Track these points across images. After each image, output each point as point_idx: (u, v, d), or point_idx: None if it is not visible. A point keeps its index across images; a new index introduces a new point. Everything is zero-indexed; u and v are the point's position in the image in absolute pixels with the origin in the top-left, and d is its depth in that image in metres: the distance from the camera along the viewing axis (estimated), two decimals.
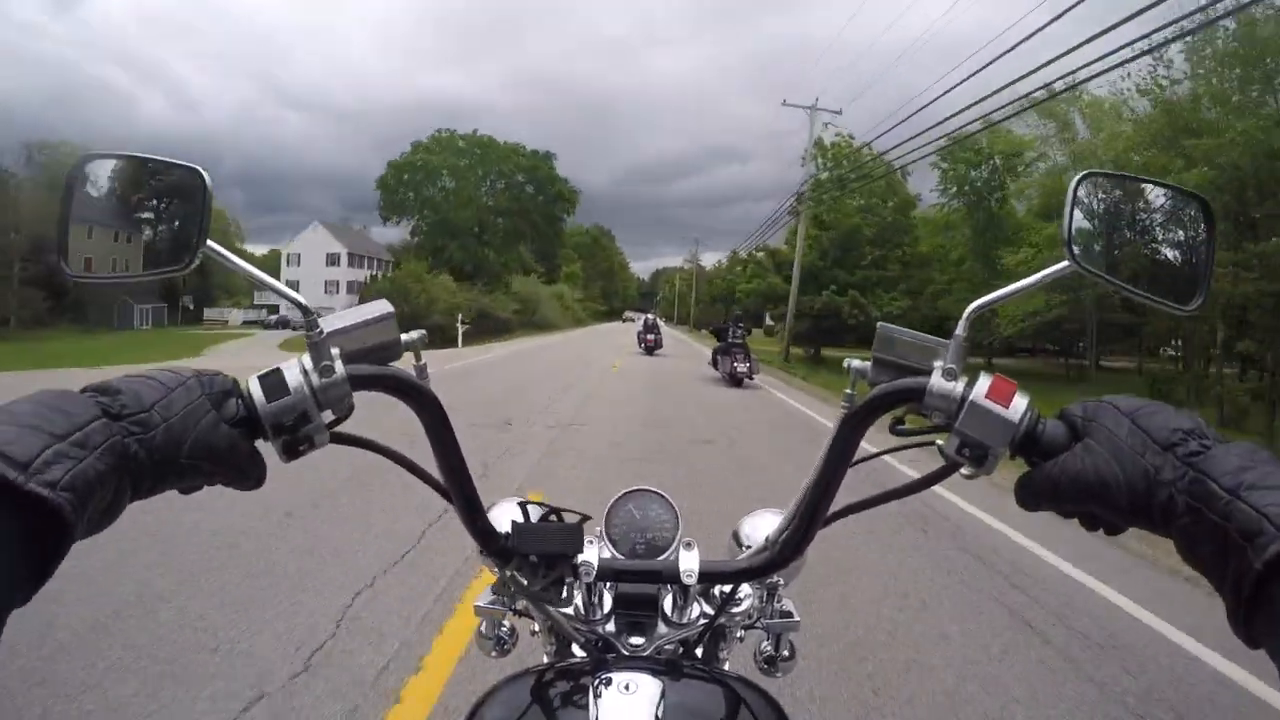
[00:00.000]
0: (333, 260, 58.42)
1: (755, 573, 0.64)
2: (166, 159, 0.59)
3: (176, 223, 0.59)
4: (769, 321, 31.85)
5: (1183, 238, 0.60)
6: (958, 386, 0.52)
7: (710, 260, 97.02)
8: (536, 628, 0.73)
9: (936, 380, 0.52)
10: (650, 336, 22.50)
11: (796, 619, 0.71)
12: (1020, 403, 0.51)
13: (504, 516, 0.62)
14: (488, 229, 58.27)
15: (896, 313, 21.05)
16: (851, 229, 23.12)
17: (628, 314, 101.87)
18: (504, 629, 0.73)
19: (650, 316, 23.99)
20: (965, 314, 0.54)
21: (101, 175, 0.61)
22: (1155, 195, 0.60)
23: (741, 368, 13.37)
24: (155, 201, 0.62)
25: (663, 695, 0.53)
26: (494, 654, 0.73)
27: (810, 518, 0.59)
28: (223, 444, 0.48)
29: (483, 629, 0.73)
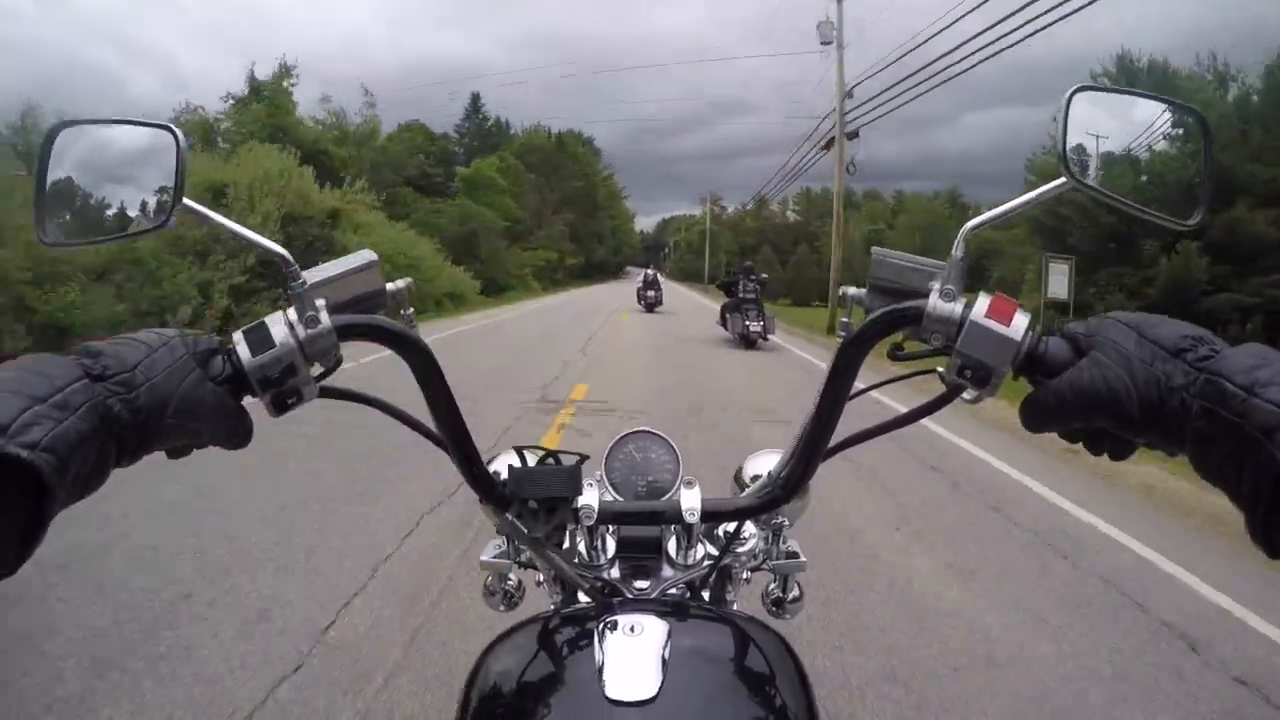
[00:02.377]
0: None
1: (758, 509, 0.63)
2: (138, 119, 0.58)
3: (154, 183, 0.59)
4: None
5: (1178, 152, 0.59)
6: (956, 307, 0.51)
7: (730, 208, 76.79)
8: (541, 578, 0.73)
9: (934, 302, 0.51)
10: (650, 293, 21.19)
11: (803, 559, 0.71)
12: (1021, 321, 0.50)
13: (502, 465, 0.61)
14: None
15: None
16: None
17: (628, 268, 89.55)
18: (510, 582, 0.73)
19: (650, 272, 22.90)
20: (961, 233, 0.53)
21: (76, 142, 0.60)
22: (1151, 109, 0.59)
23: (755, 326, 11.46)
24: (130, 163, 0.61)
25: (669, 636, 0.52)
26: (501, 608, 0.73)
27: (811, 451, 0.58)
28: (209, 401, 0.48)
29: (488, 583, 0.72)
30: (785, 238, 53.60)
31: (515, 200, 41.83)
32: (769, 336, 11.61)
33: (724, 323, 12.65)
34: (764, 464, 0.73)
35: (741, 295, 12.02)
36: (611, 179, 72.17)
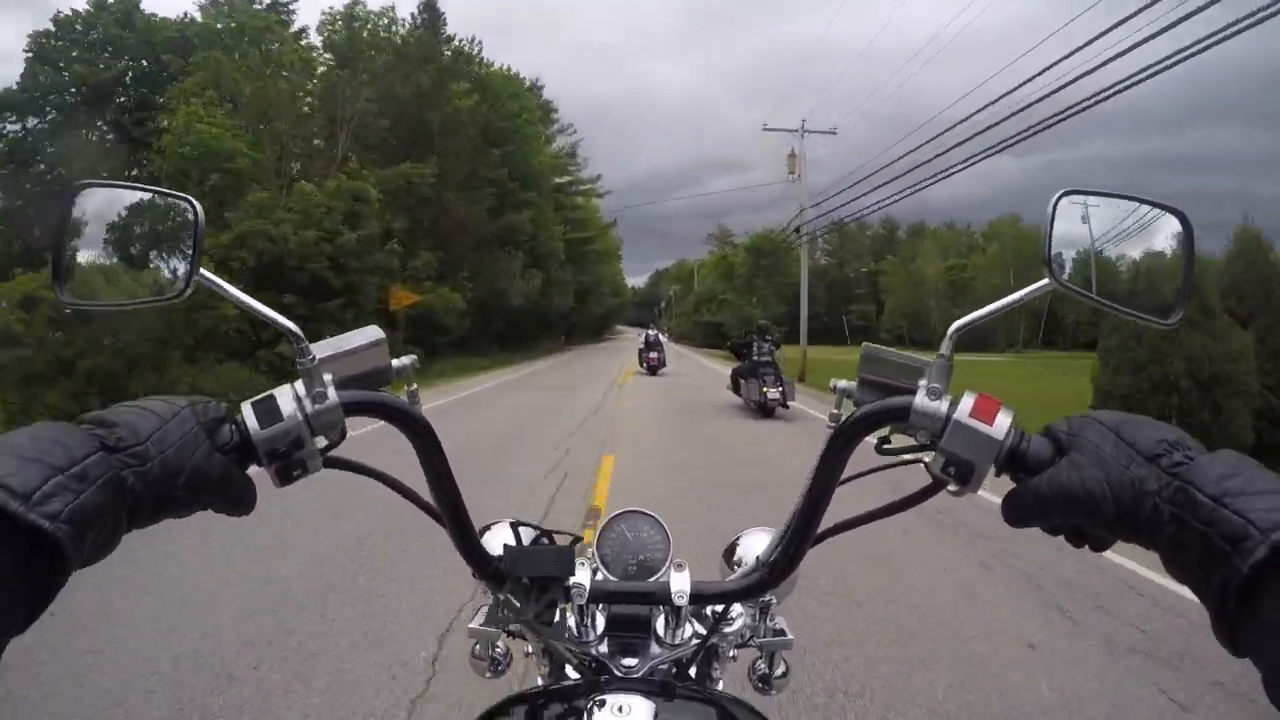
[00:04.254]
0: None
1: (746, 593, 0.65)
2: (159, 189, 0.60)
3: (170, 252, 0.60)
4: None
5: (1160, 250, 0.61)
6: (942, 405, 0.53)
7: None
8: (530, 649, 0.74)
9: (921, 399, 0.53)
10: (653, 355, 20.41)
11: (790, 637, 0.72)
12: (1004, 420, 0.52)
13: (497, 539, 0.63)
14: None
15: None
16: None
17: (618, 327, 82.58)
18: (498, 650, 0.74)
19: (652, 332, 22.15)
20: (948, 333, 0.55)
21: (95, 203, 0.62)
22: (1134, 210, 0.61)
23: (773, 393, 10.31)
24: (148, 230, 0.62)
25: (656, 717, 0.53)
26: (488, 675, 0.74)
27: (801, 537, 0.60)
28: (217, 473, 0.49)
29: (476, 650, 0.73)
30: (815, 283, 40.74)
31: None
32: (788, 403, 10.52)
33: (736, 389, 11.54)
34: (754, 542, 0.74)
35: (756, 358, 11.03)
36: (609, 233, 56.82)
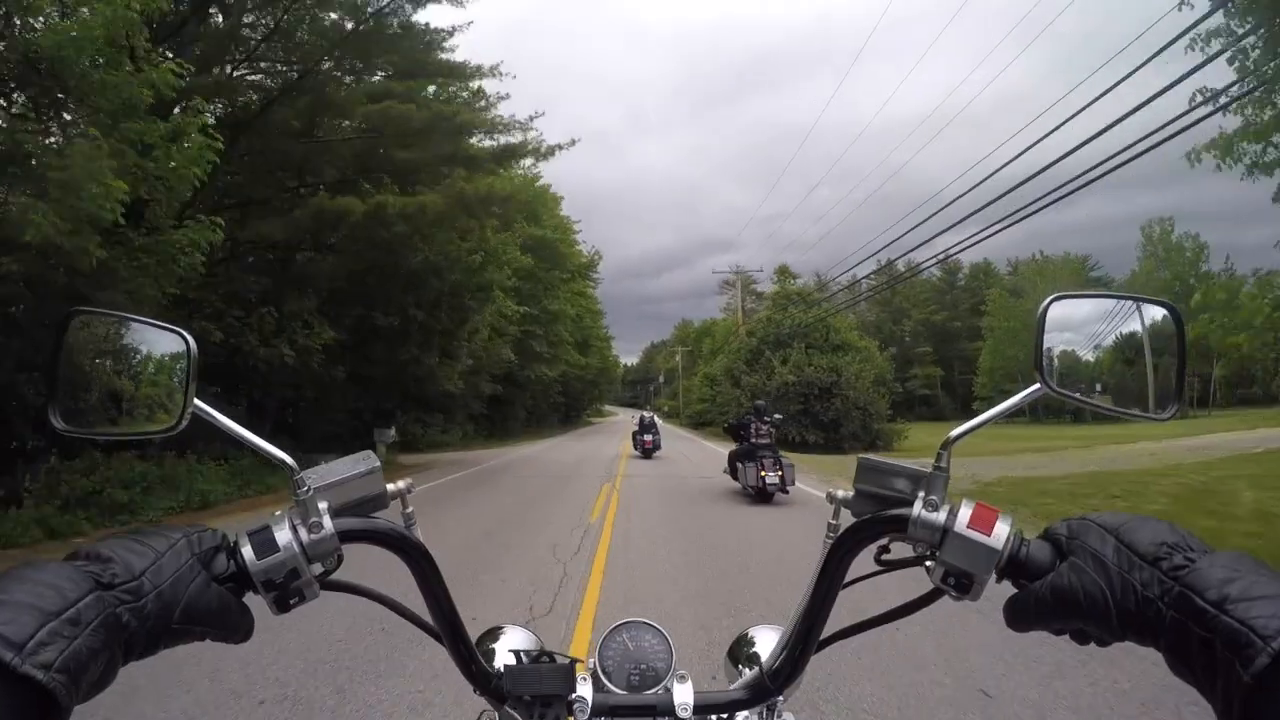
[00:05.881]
0: None
1: (750, 702, 0.64)
2: (153, 322, 0.60)
3: (164, 383, 0.61)
4: None
5: (1152, 346, 0.61)
6: (939, 516, 0.53)
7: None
8: None
9: (919, 511, 0.53)
10: (647, 438, 19.14)
11: None
12: (1003, 529, 0.52)
13: (499, 652, 0.62)
14: None
15: None
16: None
17: (607, 408, 76.57)
18: None
19: (647, 414, 21.11)
20: (943, 443, 0.55)
21: (90, 331, 0.62)
22: (1123, 308, 0.61)
23: (772, 477, 9.48)
24: (142, 360, 0.63)
25: None
26: None
27: (804, 643, 0.60)
28: (214, 605, 0.49)
29: None
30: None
31: None
32: (788, 489, 9.71)
33: (734, 472, 10.68)
34: (761, 640, 0.73)
35: (754, 440, 10.19)
36: (599, 318, 51.67)
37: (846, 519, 0.58)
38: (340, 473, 0.57)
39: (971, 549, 0.52)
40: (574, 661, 0.61)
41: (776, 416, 11.11)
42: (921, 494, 0.54)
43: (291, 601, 0.53)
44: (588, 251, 41.49)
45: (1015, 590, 0.52)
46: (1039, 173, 11.09)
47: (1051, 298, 0.58)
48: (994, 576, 0.53)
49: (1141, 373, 0.61)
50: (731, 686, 0.68)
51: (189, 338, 0.58)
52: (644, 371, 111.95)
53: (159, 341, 0.60)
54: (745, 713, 0.71)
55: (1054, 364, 0.59)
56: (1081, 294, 0.60)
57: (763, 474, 9.55)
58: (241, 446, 0.57)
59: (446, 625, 0.59)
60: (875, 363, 28.60)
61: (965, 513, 0.52)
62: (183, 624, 0.47)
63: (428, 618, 0.61)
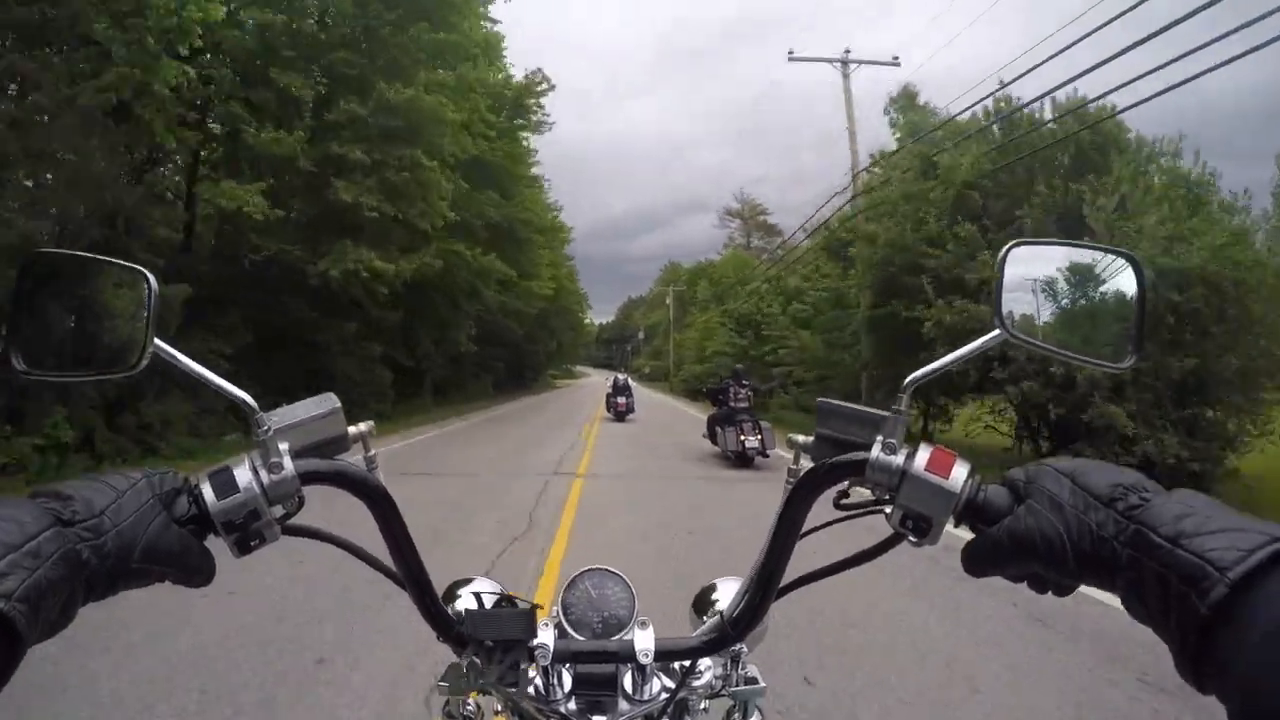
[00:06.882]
0: None
1: (710, 649, 0.65)
2: (113, 260, 0.60)
3: (125, 323, 0.60)
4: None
5: (1112, 296, 0.61)
6: (897, 460, 0.53)
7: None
8: (500, 708, 0.73)
9: (876, 454, 0.53)
10: (620, 400, 18.99)
11: (762, 685, 0.71)
12: (960, 472, 0.52)
13: (462, 599, 0.62)
14: None
15: None
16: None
17: (579, 369, 72.61)
18: (470, 707, 0.73)
19: (621, 377, 20.92)
20: (902, 387, 0.55)
21: (52, 272, 0.62)
22: (1085, 257, 0.62)
23: (751, 441, 9.55)
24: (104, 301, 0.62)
25: None
26: None
27: (764, 591, 0.60)
28: (174, 546, 0.49)
29: (448, 708, 0.72)
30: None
31: None
32: (768, 452, 9.69)
33: (712, 437, 10.75)
34: (725, 590, 0.73)
35: (733, 404, 10.31)
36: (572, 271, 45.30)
37: (807, 465, 0.59)
38: (301, 414, 0.57)
39: (929, 491, 0.52)
40: (535, 607, 0.61)
41: (755, 382, 11.11)
42: (880, 438, 0.54)
43: (252, 544, 0.53)
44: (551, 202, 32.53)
45: (973, 535, 0.53)
46: None
47: (1012, 244, 0.58)
48: (952, 520, 0.53)
49: (1104, 322, 0.61)
50: (695, 633, 0.68)
51: (150, 276, 0.58)
52: (620, 330, 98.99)
53: (121, 281, 0.60)
54: (708, 660, 0.71)
55: (1015, 310, 0.59)
56: (1044, 240, 0.60)
57: (742, 438, 9.58)
58: (203, 388, 0.56)
59: (408, 570, 0.59)
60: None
61: (923, 456, 0.53)
62: (142, 563, 0.47)
63: (389, 563, 0.60)
